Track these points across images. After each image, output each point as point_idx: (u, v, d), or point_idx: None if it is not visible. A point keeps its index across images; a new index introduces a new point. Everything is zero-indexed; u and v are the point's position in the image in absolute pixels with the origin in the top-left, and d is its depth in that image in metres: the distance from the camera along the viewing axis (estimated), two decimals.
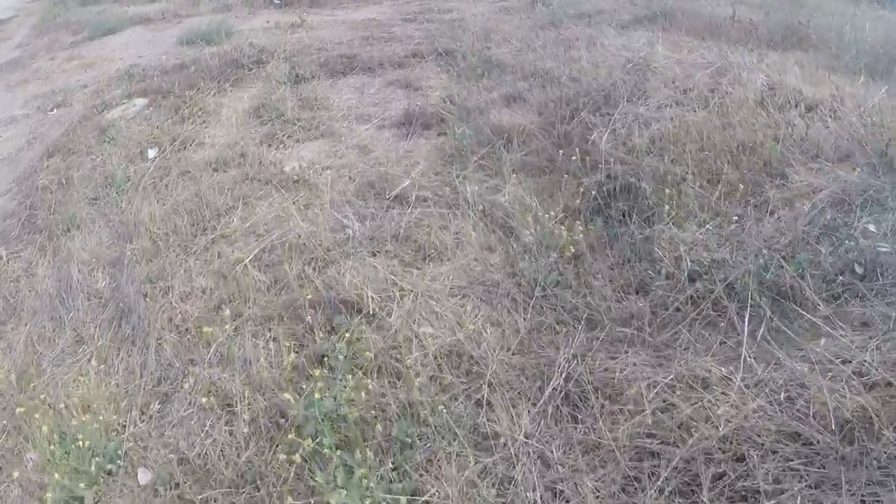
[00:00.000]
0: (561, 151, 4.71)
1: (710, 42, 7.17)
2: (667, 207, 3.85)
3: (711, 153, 4.33)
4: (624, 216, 4.08)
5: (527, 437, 2.74)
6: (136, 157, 5.87)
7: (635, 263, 3.70)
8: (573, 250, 3.77)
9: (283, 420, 2.99)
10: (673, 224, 3.78)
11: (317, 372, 2.94)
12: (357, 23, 9.25)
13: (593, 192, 4.18)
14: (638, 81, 5.36)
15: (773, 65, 5.61)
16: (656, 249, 3.63)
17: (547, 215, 4.03)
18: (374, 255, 4.00)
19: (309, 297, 3.67)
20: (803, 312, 3.06)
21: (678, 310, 3.29)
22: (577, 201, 4.18)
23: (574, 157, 4.43)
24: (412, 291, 3.70)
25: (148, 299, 4.08)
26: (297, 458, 2.65)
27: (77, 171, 5.88)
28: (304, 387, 2.96)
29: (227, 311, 3.66)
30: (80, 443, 2.97)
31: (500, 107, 5.67)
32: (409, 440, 2.77)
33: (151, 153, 5.92)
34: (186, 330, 3.82)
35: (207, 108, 6.50)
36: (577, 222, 3.93)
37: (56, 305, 4.20)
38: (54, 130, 7.00)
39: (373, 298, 3.63)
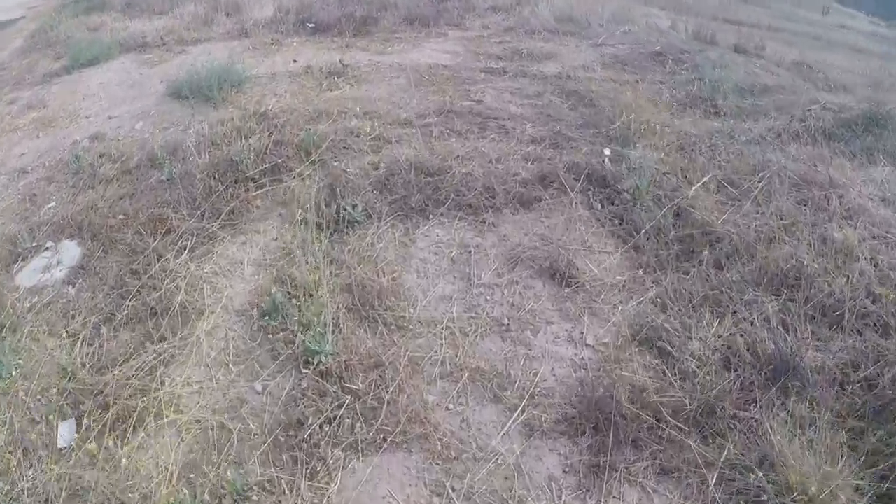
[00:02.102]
0: None
1: None
2: None
3: None
4: None
5: None
6: (39, 438, 2.34)
7: None
8: None
9: None
10: None
11: None
12: (421, 71, 5.44)
13: None
14: None
15: None
16: None
17: None
18: None
19: None
20: None
21: None
22: None
23: None
24: None
25: None
26: None
27: None
28: None
29: None
30: None
31: (766, 385, 2.12)
32: None
33: (63, 436, 2.36)
34: None
35: (175, 289, 2.88)
36: None
37: None
38: None
39: None
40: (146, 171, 3.88)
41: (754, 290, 2.83)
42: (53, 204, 3.94)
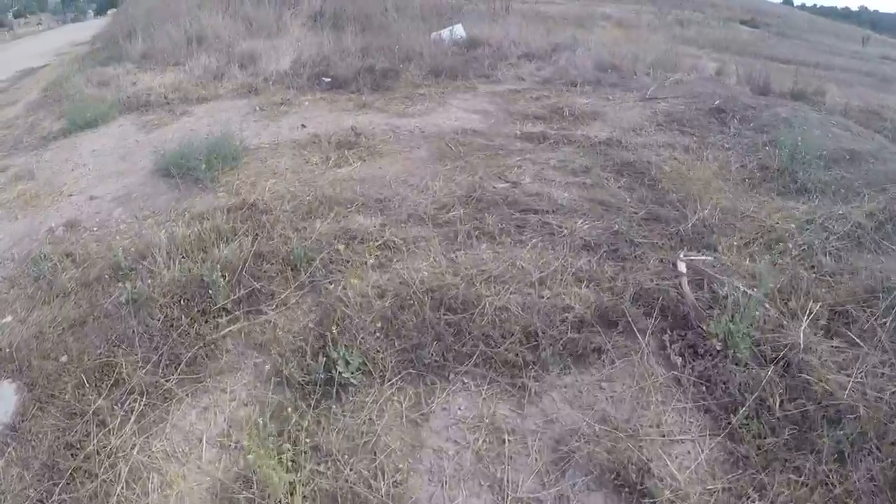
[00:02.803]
0: None
1: None
2: None
3: None
4: None
5: None
6: None
7: None
8: None
9: None
10: None
11: None
12: (446, 138, 4.69)
13: None
14: None
15: None
16: None
17: None
18: None
19: None
20: None
21: None
22: None
23: None
24: None
25: None
26: None
27: None
28: None
29: None
30: None
31: None
32: None
33: None
34: None
35: (113, 479, 2.14)
36: None
37: None
38: None
39: None
40: (107, 284, 3.18)
41: (889, 499, 1.95)
42: (7, 319, 3.27)
